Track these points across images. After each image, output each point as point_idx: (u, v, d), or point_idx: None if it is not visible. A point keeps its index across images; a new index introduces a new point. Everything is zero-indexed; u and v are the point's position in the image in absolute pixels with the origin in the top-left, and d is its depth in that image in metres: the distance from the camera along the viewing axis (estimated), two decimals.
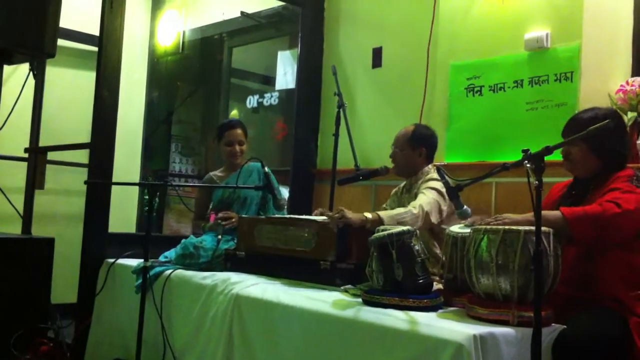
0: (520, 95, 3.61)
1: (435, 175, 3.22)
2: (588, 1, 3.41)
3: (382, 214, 2.95)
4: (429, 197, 3.11)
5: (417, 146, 3.36)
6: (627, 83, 3.34)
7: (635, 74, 3.47)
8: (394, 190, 3.57)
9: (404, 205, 3.33)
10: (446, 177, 2.64)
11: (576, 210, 2.47)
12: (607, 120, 2.41)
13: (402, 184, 3.51)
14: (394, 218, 2.92)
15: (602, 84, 3.43)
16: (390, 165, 3.51)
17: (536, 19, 3.58)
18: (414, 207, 3.03)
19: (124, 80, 3.98)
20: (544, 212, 2.35)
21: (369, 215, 2.94)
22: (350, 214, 2.90)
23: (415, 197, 3.24)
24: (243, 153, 3.91)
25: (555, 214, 2.46)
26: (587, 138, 2.47)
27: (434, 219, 3.09)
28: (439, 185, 3.11)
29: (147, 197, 3.10)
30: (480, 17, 3.82)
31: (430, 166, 3.37)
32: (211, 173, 4.06)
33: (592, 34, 3.42)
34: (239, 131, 3.91)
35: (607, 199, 2.45)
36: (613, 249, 2.49)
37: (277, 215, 3.49)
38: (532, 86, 3.58)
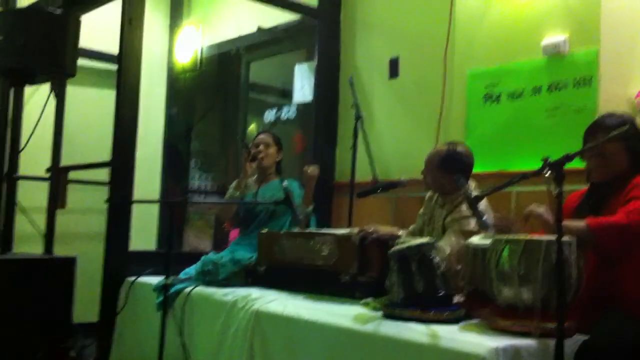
0: (539, 102, 3.57)
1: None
2: (606, 5, 3.37)
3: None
4: (459, 243, 2.89)
5: (451, 172, 3.02)
6: None
7: None
8: (428, 195, 3.39)
9: (434, 213, 3.27)
10: (466, 187, 2.61)
11: (601, 221, 2.43)
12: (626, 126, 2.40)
13: (437, 195, 3.40)
14: None
15: (621, 88, 3.37)
16: (409, 176, 3.48)
17: (553, 24, 3.54)
18: (449, 247, 2.88)
19: (144, 97, 4.02)
20: (568, 222, 2.32)
21: (401, 232, 2.96)
22: (382, 229, 2.96)
23: (445, 220, 3.09)
24: (268, 155, 3.95)
25: (579, 224, 2.43)
26: (625, 138, 2.49)
27: (458, 266, 2.89)
28: (472, 225, 2.92)
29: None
30: (497, 23, 3.79)
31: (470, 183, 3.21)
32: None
33: (610, 38, 3.38)
34: (263, 136, 4.04)
35: (630, 209, 2.41)
36: (635, 256, 2.45)
37: (297, 230, 3.48)
38: (550, 92, 3.54)
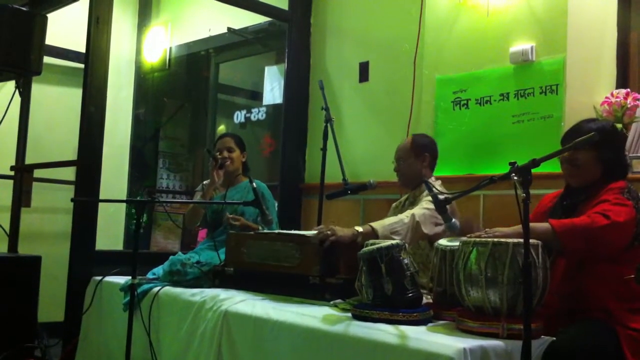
0: (507, 108, 3.63)
1: (438, 188, 3.15)
2: (572, 14, 3.45)
3: (375, 224, 2.94)
4: (424, 207, 3.05)
5: (421, 153, 3.34)
6: (612, 95, 3.37)
7: (620, 86, 3.51)
8: (394, 204, 3.52)
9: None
10: (434, 190, 2.64)
11: (565, 222, 2.46)
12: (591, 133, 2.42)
13: (405, 197, 3.47)
14: (387, 228, 2.92)
15: (587, 96, 3.46)
16: (378, 178, 3.50)
17: (521, 32, 3.61)
18: (405, 216, 3.01)
19: (111, 97, 3.97)
20: (533, 225, 2.35)
21: (360, 228, 2.93)
22: (340, 231, 2.90)
23: None
24: (233, 160, 3.90)
25: (544, 226, 2.46)
26: (599, 147, 2.53)
27: (427, 229, 3.03)
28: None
29: (134, 210, 3.06)
30: (466, 31, 3.85)
31: (433, 178, 3.32)
32: (205, 182, 4.02)
33: (577, 46, 3.45)
34: (227, 139, 3.97)
35: (596, 210, 2.45)
36: (603, 261, 2.49)
37: (265, 231, 3.48)
38: (518, 99, 3.60)
